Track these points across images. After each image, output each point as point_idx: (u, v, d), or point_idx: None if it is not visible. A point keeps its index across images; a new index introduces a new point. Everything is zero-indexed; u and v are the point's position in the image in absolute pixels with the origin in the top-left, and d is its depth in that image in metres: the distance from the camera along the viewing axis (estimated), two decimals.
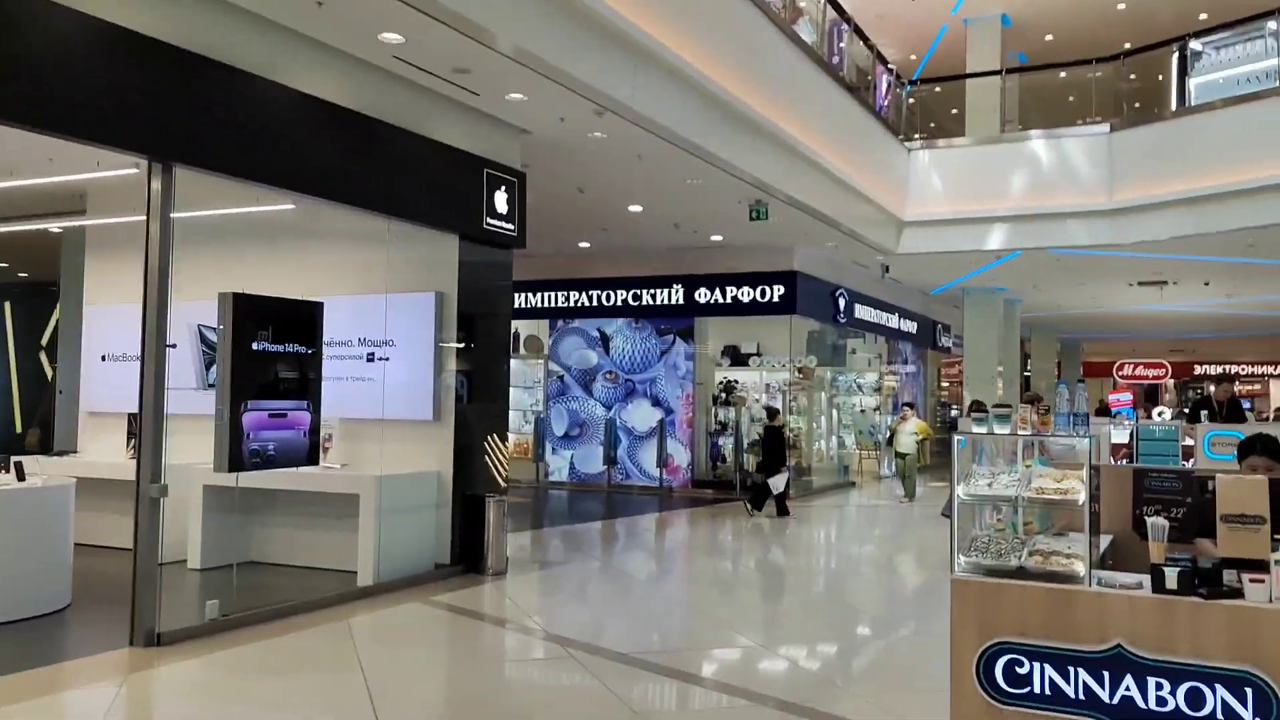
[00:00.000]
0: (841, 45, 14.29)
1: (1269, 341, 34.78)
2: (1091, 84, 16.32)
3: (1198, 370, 40.89)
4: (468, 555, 9.06)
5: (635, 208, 13.25)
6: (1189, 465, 6.77)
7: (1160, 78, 15.58)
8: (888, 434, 18.37)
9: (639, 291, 17.10)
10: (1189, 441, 7.28)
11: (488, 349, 9.50)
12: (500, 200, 9.32)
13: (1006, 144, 15.76)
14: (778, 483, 13.67)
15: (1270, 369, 40.14)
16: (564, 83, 8.12)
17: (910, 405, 17.56)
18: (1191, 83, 14.35)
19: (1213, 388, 10.24)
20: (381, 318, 9.01)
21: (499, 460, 9.44)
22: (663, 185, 11.81)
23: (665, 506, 15.10)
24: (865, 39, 15.55)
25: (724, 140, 10.36)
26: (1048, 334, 29.42)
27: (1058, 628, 3.94)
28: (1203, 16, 16.63)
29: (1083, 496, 4.15)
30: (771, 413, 14.50)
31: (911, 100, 16.96)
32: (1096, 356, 38.13)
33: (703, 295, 16.59)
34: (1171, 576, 3.90)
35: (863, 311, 18.90)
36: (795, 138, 11.67)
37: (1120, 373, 38.74)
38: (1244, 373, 40.42)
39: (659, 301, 16.95)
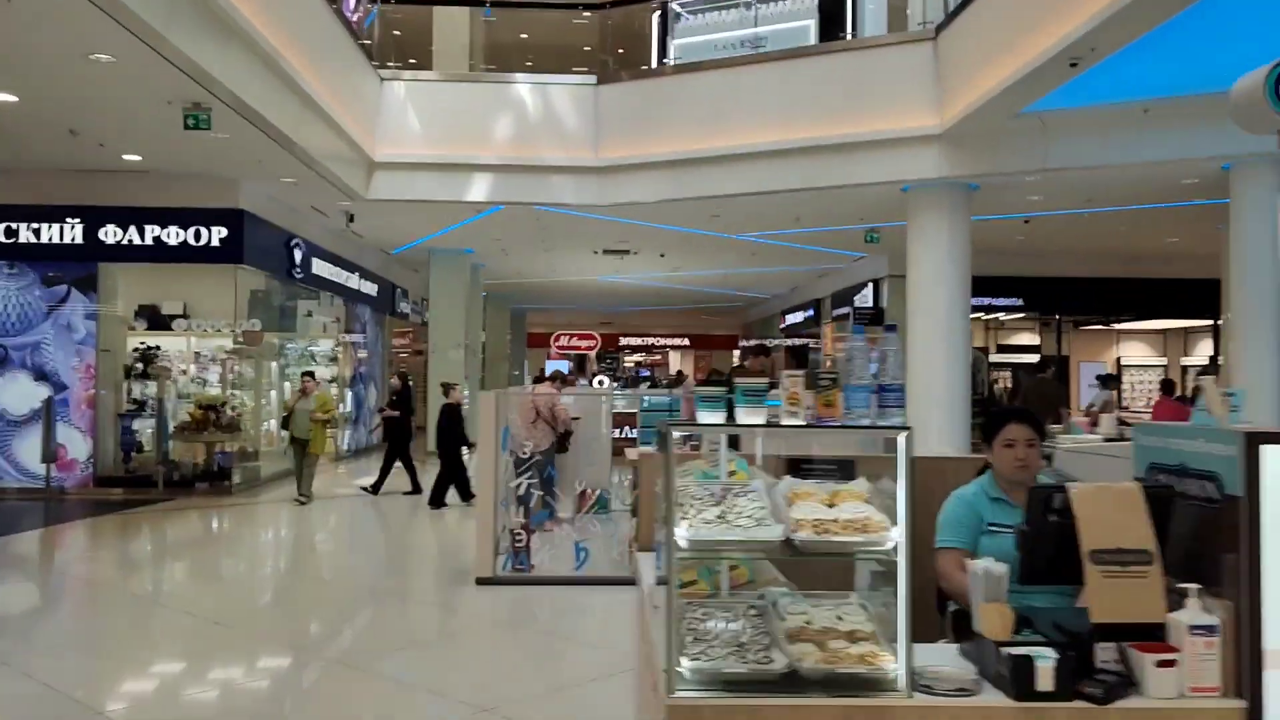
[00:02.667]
0: None
1: (680, 315, 38.45)
2: (580, 31, 15.43)
3: (623, 342, 44.20)
4: None
5: (5, 96, 9.22)
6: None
7: (646, 33, 15.14)
8: (284, 414, 13.25)
9: (15, 225, 12.59)
10: None
11: None
12: None
13: (489, 85, 14.18)
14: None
15: (672, 340, 44.72)
16: None
17: (310, 375, 12.99)
18: (674, 43, 14.00)
19: (747, 361, 9.53)
20: None
21: None
22: (49, 57, 8.14)
23: (52, 517, 11.12)
24: None
25: None
26: (502, 304, 29.03)
27: None
28: None
29: (894, 537, 2.35)
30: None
31: (382, 18, 14.61)
32: (538, 328, 39.15)
33: (111, 234, 12.64)
34: (1045, 671, 2.26)
35: (322, 268, 16.16)
36: (250, 22, 8.75)
37: (558, 344, 40.41)
38: (657, 344, 44.61)
39: (45, 239, 12.61)
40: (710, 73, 13.12)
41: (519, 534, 7.45)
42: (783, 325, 28.66)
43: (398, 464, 13.27)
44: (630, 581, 7.40)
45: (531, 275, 23.33)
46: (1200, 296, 18.86)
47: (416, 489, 12.99)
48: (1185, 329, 23.78)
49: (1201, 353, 23.63)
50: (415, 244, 18.47)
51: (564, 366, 42.65)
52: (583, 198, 13.84)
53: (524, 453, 7.77)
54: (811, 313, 24.84)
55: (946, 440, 11.36)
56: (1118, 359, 24.54)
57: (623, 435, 13.00)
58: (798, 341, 26.57)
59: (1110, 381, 16.81)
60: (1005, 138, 11.32)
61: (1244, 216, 10.97)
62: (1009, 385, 20.94)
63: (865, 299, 19.77)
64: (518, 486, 7.62)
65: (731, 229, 16.01)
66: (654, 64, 14.45)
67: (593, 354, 41.53)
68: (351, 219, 15.07)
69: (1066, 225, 15.23)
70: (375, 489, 13.13)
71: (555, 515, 8.82)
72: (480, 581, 7.32)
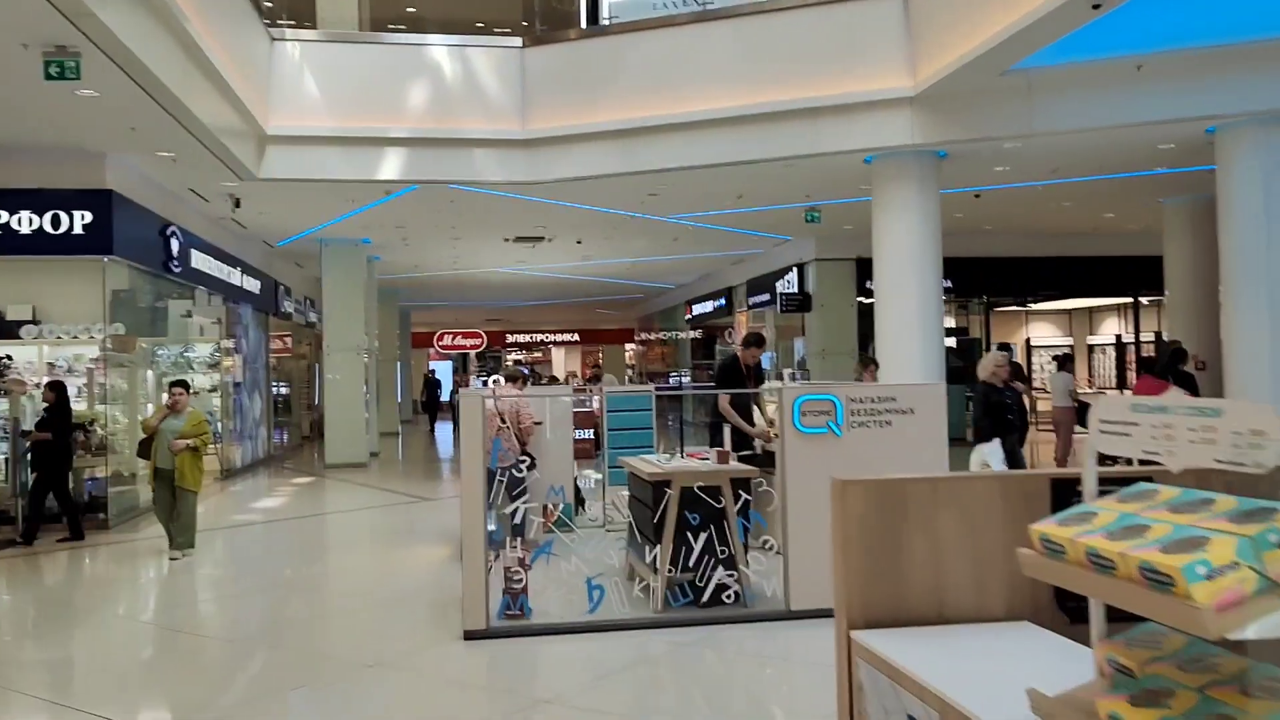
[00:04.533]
0: None
1: (572, 310, 36.95)
2: None
3: (510, 339, 42.44)
4: None
5: None
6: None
7: None
8: (142, 437, 9.66)
9: None
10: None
11: None
12: None
13: (399, 47, 12.49)
14: None
15: (560, 336, 43.20)
16: None
17: (183, 386, 9.66)
18: (607, 1, 12.63)
19: (739, 349, 8.27)
20: None
21: None
22: None
23: None
24: None
25: None
26: (389, 300, 27.02)
27: None
28: None
29: None
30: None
31: None
32: (421, 327, 37.09)
33: None
34: None
35: (202, 261, 14.08)
36: None
37: (441, 343, 38.40)
38: (545, 340, 43.02)
39: None
40: (652, 33, 11.82)
41: (516, 573, 5.99)
42: (689, 315, 27.62)
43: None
44: (667, 624, 6.11)
45: (431, 268, 21.51)
46: (1123, 273, 18.70)
47: (76, 533, 10.15)
48: (1090, 308, 23.88)
49: (1106, 331, 23.77)
50: (305, 234, 16.52)
51: (446, 367, 40.80)
52: (509, 174, 12.32)
53: (520, 470, 6.33)
54: (723, 301, 23.85)
55: None
56: (1027, 339, 24.48)
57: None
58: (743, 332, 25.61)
59: (1066, 363, 16.31)
60: (987, 99, 10.42)
61: (1233, 178, 10.36)
62: None
63: (790, 284, 18.84)
64: (513, 513, 6.16)
65: (667, 209, 14.76)
66: (583, 24, 13.03)
67: (474, 353, 39.79)
68: (238, 204, 13.11)
69: (1008, 201, 14.59)
70: (27, 538, 10.02)
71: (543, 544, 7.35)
72: (470, 636, 5.83)
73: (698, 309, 26.52)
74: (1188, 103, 9.97)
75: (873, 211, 11.82)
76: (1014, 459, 7.58)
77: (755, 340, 8.32)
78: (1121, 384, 21.81)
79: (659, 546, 6.09)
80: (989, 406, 7.83)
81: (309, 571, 9.27)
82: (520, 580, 6.00)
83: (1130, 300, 20.43)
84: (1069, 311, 24.40)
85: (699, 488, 6.11)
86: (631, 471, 7.06)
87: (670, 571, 6.10)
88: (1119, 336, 22.98)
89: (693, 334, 28.50)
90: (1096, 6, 8.05)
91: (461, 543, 6.02)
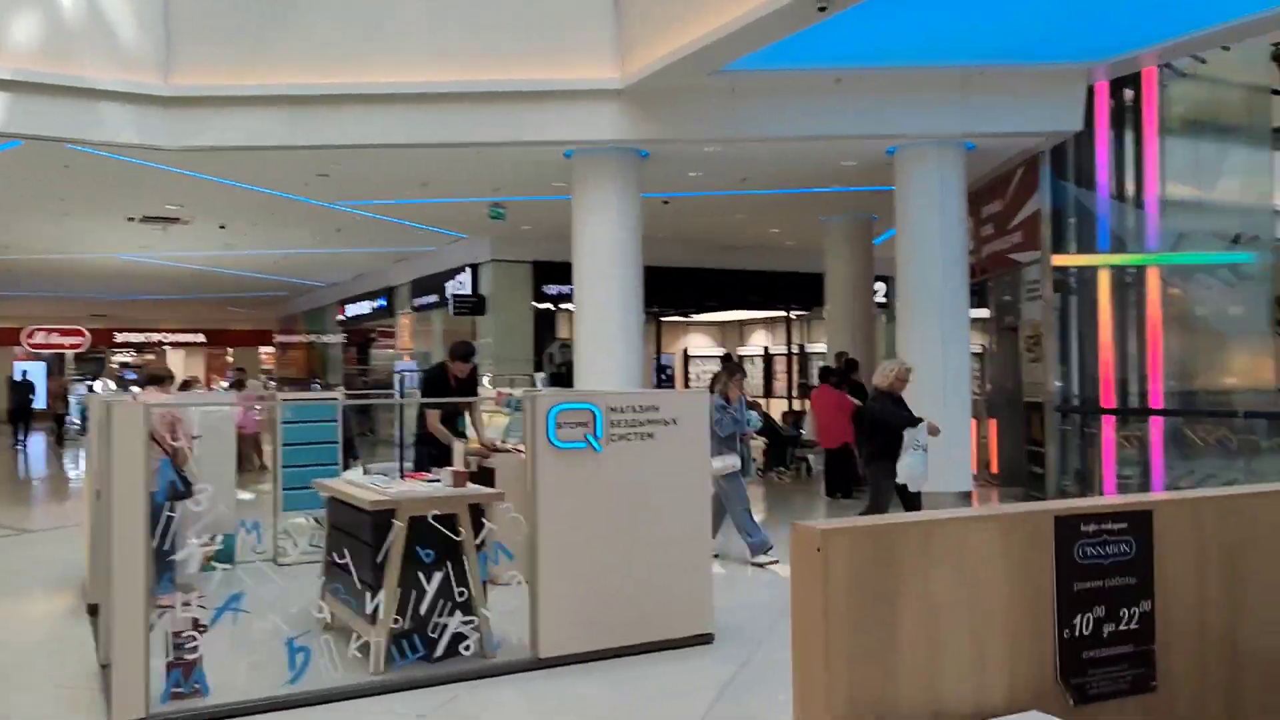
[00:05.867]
0: None
1: (200, 307, 33.06)
2: None
3: (119, 338, 37.24)
4: None
5: None
6: None
7: None
8: None
9: None
10: None
11: None
12: None
13: None
14: None
15: (182, 336, 38.63)
16: None
17: None
18: None
19: (447, 360, 7.16)
20: None
21: None
22: None
23: None
24: None
25: None
26: None
27: None
28: None
29: None
30: None
31: None
32: (6, 321, 31.48)
33: None
34: None
35: None
36: None
37: (31, 340, 32.85)
38: (164, 341, 38.25)
39: None
40: None
41: (189, 637, 4.50)
42: (341, 316, 25.52)
43: None
44: (393, 688, 4.79)
45: (25, 249, 17.86)
46: (779, 288, 19.64)
47: None
48: (741, 321, 25.07)
49: (755, 343, 25.08)
50: None
51: (39, 369, 34.84)
52: (145, 136, 10.23)
53: (199, 502, 4.80)
54: (384, 302, 22.20)
55: None
56: (684, 349, 25.23)
57: None
58: None
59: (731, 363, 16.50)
60: (693, 99, 10.16)
61: (910, 199, 10.88)
62: None
63: (462, 285, 17.79)
64: (186, 555, 4.63)
65: (336, 194, 13.17)
66: None
67: (73, 353, 34.44)
68: None
69: (688, 210, 14.60)
70: None
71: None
72: None
73: (352, 309, 24.56)
74: (876, 120, 10.31)
75: (573, 211, 11.18)
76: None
77: (463, 352, 7.28)
78: (768, 393, 23.00)
79: (381, 593, 4.88)
80: (878, 423, 7.13)
81: None
82: (195, 648, 4.51)
83: (782, 314, 21.57)
84: (721, 324, 25.46)
85: (433, 517, 4.98)
86: (334, 498, 5.74)
87: (396, 622, 4.90)
88: (766, 348, 24.32)
89: (341, 338, 26.42)
90: (823, 9, 7.95)
91: (111, 601, 4.42)
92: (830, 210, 15.01)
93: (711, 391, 7.74)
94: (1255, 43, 9.97)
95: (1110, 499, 5.54)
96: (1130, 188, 11.01)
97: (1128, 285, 11.06)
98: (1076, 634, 2.15)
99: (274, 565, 7.46)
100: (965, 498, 10.59)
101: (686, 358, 25.05)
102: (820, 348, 20.79)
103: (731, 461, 7.51)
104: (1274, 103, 10.74)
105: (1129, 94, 10.87)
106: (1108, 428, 10.75)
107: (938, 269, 10.67)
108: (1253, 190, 10.87)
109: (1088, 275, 11.17)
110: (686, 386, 24.31)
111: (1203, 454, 10.31)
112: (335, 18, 10.18)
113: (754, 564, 7.65)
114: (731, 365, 8.38)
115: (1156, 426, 10.64)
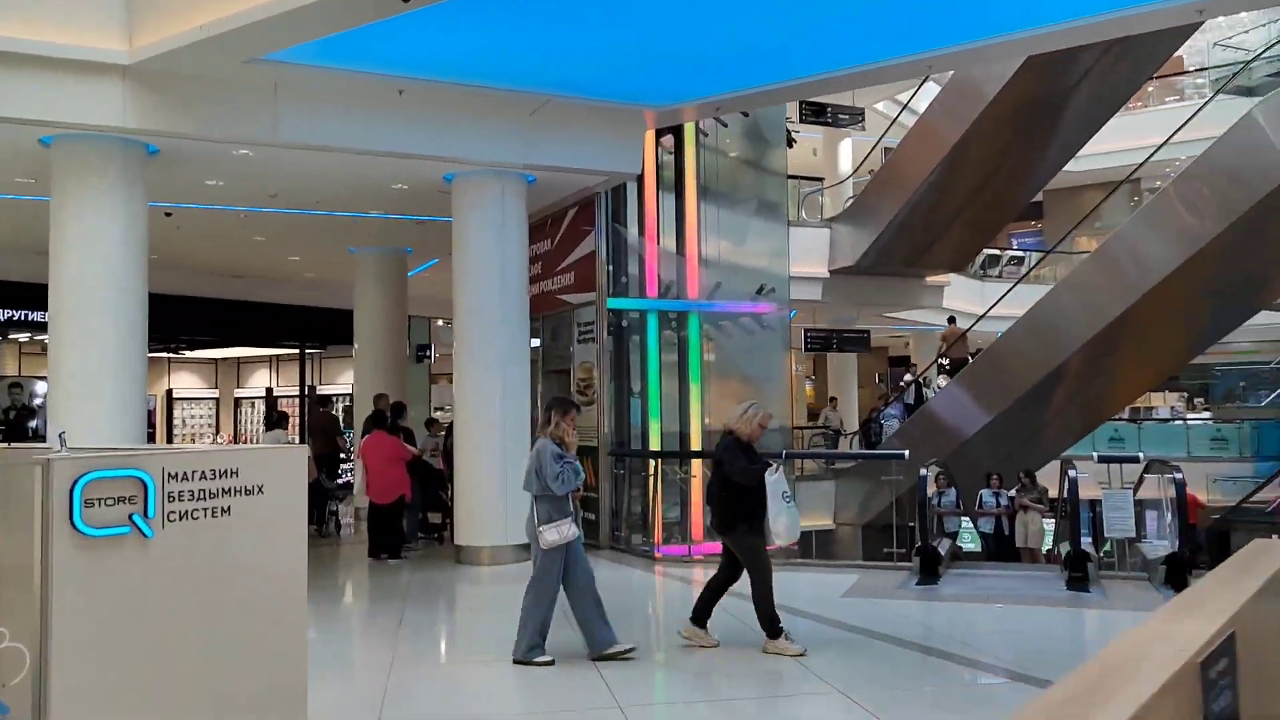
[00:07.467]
0: None
1: None
2: None
3: None
4: None
5: None
6: None
7: None
8: None
9: None
10: None
11: None
12: None
13: None
14: None
15: None
16: None
17: None
18: None
19: None
20: None
21: None
22: None
23: None
24: None
25: None
26: None
27: None
28: None
29: None
30: None
31: None
32: None
33: None
34: None
35: None
36: None
37: None
38: None
39: None
40: None
41: None
42: None
43: None
44: None
45: None
46: (292, 323, 17.82)
47: None
48: (240, 359, 22.48)
49: (257, 384, 22.62)
50: None
51: None
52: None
53: None
54: None
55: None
56: (169, 390, 21.94)
57: None
58: None
59: (282, 420, 13.99)
60: (222, 89, 8.44)
61: (470, 231, 10.08)
62: None
63: None
64: None
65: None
66: None
67: None
68: None
69: (195, 226, 12.39)
70: None
71: None
72: None
73: None
74: (438, 141, 9.39)
75: (52, 214, 8.69)
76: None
77: None
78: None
79: None
80: (738, 484, 5.93)
81: None
82: None
83: (293, 351, 19.61)
84: (216, 361, 22.60)
85: None
86: None
87: None
88: (270, 389, 22.01)
89: None
90: (406, 0, 6.88)
91: None
92: (363, 240, 13.76)
93: (542, 435, 6.00)
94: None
95: None
96: (672, 240, 11.38)
97: (673, 329, 11.35)
98: None
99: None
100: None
101: (170, 399, 21.81)
102: (340, 389, 19.24)
103: (568, 531, 5.79)
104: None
105: (671, 142, 11.26)
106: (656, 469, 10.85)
107: (496, 309, 9.96)
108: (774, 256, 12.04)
109: (635, 319, 11.27)
110: (170, 433, 21.21)
111: None
112: None
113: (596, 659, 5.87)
114: (564, 400, 6.34)
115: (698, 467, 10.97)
